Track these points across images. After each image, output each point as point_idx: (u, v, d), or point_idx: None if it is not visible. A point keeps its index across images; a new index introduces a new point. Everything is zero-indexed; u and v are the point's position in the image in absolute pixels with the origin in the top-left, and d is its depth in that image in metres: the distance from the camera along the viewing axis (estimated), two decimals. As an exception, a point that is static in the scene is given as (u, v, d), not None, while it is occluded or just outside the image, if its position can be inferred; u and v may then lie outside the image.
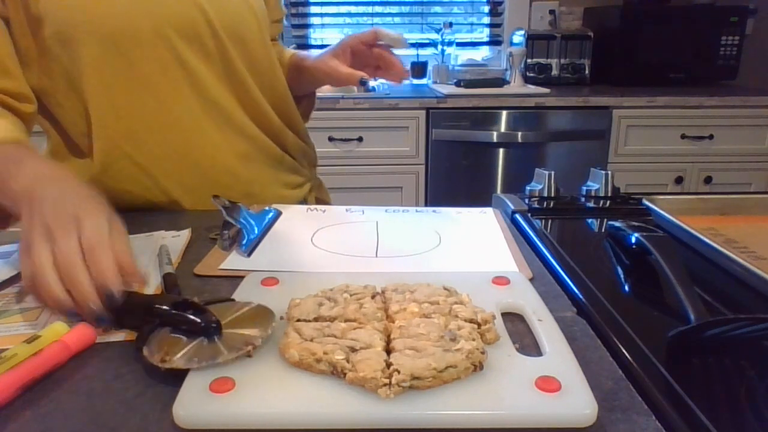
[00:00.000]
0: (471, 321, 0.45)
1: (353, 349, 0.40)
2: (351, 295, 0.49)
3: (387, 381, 0.37)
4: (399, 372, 0.37)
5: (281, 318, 0.47)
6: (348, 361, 0.39)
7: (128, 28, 0.74)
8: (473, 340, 0.41)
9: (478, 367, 0.39)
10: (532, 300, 0.52)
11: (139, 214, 0.83)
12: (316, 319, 0.45)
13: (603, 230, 0.77)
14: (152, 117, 0.79)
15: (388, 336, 0.44)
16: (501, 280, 0.55)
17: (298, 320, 0.45)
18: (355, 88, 2.03)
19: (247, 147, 0.86)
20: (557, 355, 0.43)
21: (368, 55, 0.86)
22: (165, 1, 0.76)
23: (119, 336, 0.48)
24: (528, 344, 0.46)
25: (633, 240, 0.64)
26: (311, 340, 0.42)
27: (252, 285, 0.55)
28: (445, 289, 0.50)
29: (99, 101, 0.77)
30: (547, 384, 0.38)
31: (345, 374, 0.38)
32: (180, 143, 0.81)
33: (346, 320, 0.45)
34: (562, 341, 0.45)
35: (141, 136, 0.79)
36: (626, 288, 0.61)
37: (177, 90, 0.79)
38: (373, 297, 0.49)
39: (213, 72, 0.81)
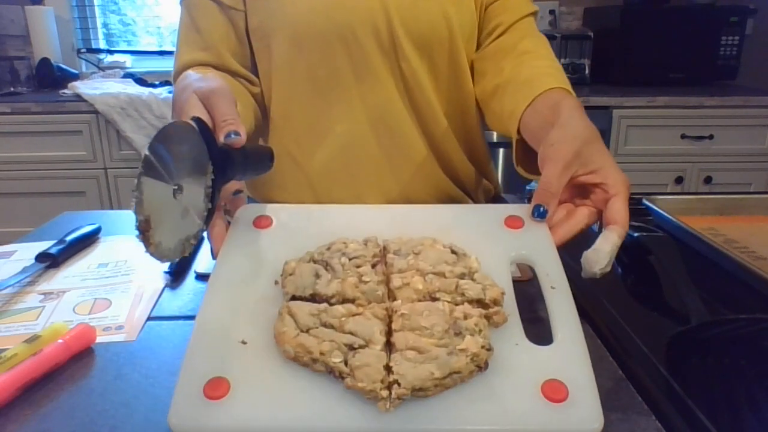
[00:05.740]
0: (479, 301, 0.43)
1: (351, 347, 0.39)
2: (350, 260, 0.46)
3: (386, 394, 0.36)
4: (399, 385, 0.36)
5: (276, 282, 0.45)
6: (346, 364, 0.38)
7: (310, 30, 0.74)
8: (480, 331, 0.40)
9: (483, 367, 0.38)
10: (546, 252, 0.47)
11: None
12: (312, 296, 0.43)
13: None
14: (318, 122, 0.79)
15: (390, 321, 0.42)
16: (515, 222, 0.49)
17: (293, 297, 0.43)
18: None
19: (411, 172, 0.82)
20: (567, 343, 0.40)
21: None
22: (351, 4, 0.74)
23: (119, 336, 0.48)
24: (537, 318, 0.44)
25: (633, 240, 0.64)
26: (307, 331, 0.40)
27: (243, 225, 0.50)
28: (453, 252, 0.47)
29: (279, 99, 0.79)
30: (554, 392, 0.37)
31: (343, 378, 0.37)
32: (340, 154, 0.79)
33: (344, 300, 0.43)
34: (575, 318, 0.42)
35: (305, 140, 0.79)
36: (626, 288, 0.61)
37: (348, 101, 0.77)
38: (373, 267, 0.46)
39: (390, 82, 0.78)
